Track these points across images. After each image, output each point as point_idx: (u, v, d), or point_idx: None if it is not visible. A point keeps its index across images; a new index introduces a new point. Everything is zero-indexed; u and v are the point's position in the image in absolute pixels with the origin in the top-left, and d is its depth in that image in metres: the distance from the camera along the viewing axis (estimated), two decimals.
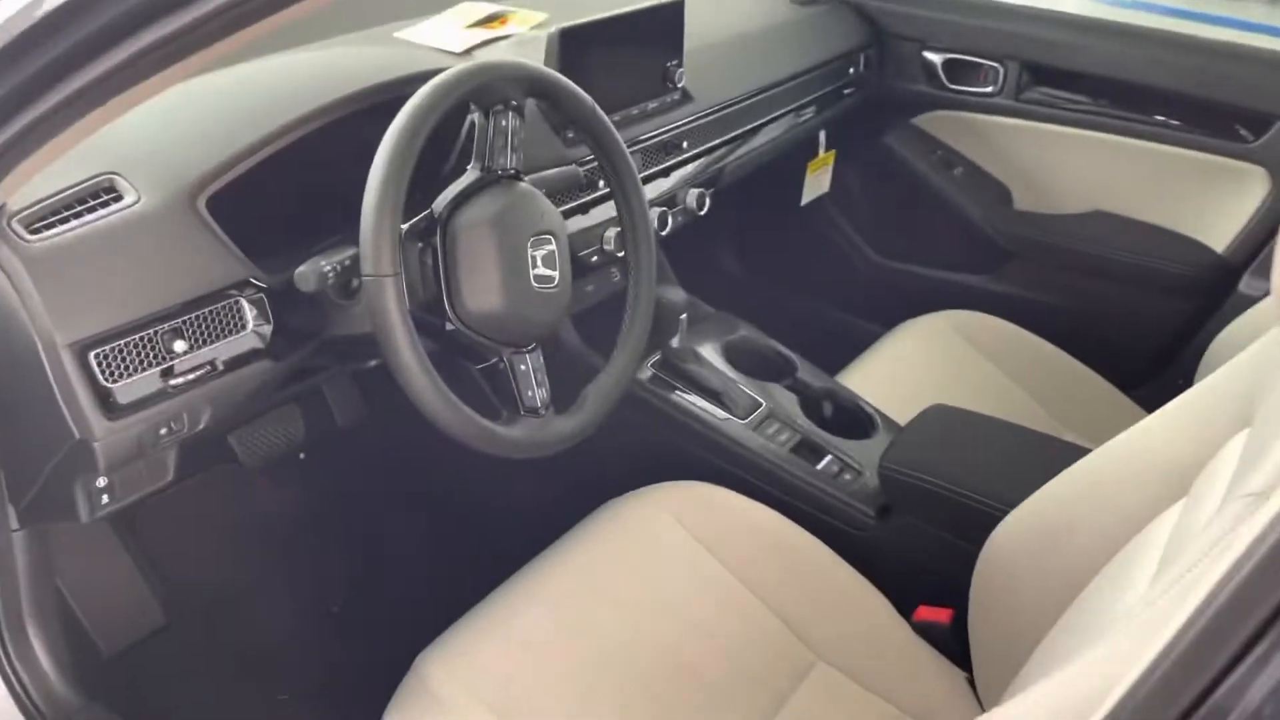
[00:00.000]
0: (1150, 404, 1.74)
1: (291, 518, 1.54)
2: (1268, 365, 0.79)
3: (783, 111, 1.67)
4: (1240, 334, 1.52)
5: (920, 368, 1.65)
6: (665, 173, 1.46)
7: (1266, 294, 1.61)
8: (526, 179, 1.09)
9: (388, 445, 1.57)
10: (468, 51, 1.36)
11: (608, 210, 1.34)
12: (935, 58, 1.89)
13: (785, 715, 1.09)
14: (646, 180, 1.42)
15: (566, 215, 1.30)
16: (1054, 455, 1.16)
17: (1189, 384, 1.65)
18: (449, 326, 1.00)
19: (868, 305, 2.07)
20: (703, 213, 1.50)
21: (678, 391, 1.39)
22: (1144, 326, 1.85)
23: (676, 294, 1.35)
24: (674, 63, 1.42)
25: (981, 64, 1.86)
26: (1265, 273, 1.70)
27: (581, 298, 1.47)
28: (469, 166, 1.03)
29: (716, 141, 1.52)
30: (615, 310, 1.22)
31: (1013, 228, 1.92)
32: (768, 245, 2.19)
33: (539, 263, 1.03)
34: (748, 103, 1.57)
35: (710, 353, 1.45)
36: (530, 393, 1.05)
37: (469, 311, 1.00)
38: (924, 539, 1.24)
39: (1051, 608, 1.02)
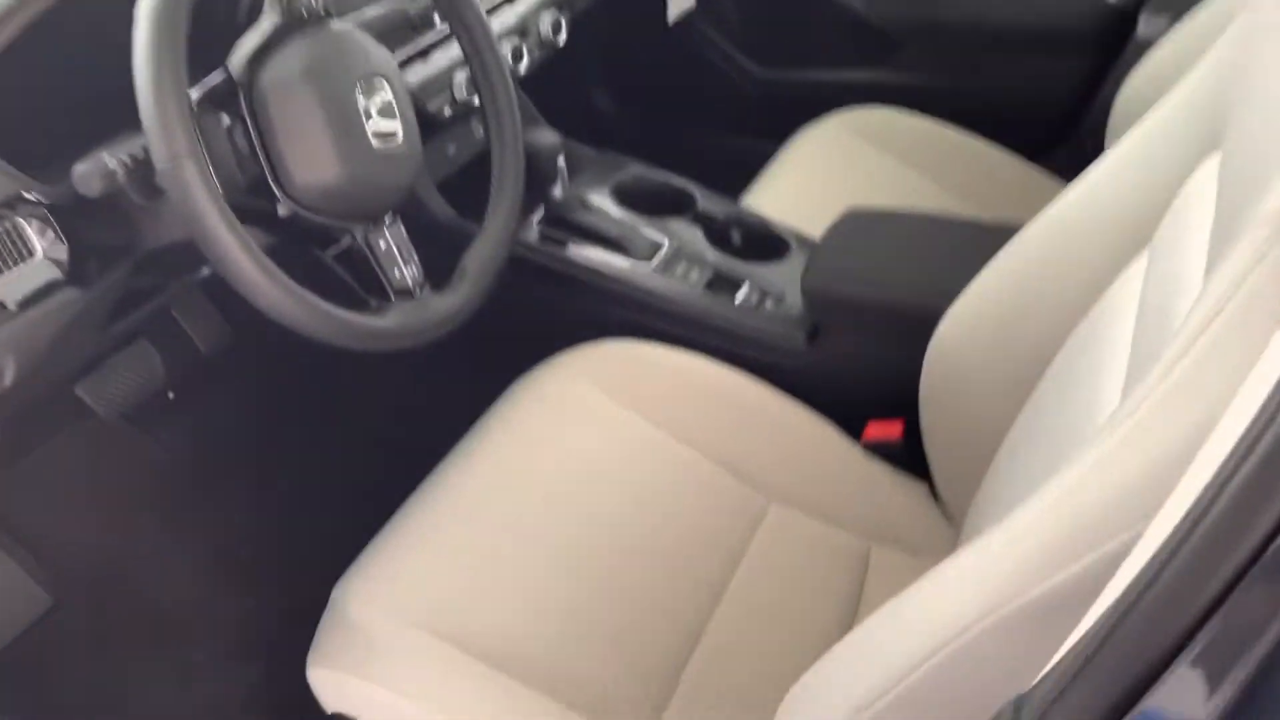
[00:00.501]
0: (1064, 172, 1.67)
1: (173, 465, 1.38)
2: (1232, 72, 0.67)
3: None
4: (1146, 82, 1.43)
5: (824, 175, 1.54)
6: None
7: (1163, 31, 1.52)
8: (341, 19, 0.91)
9: (264, 366, 1.41)
10: None
11: (452, 53, 1.17)
12: None
13: (748, 566, 1.01)
14: (490, 10, 1.24)
15: (404, 65, 1.12)
16: (984, 240, 1.06)
17: (1099, 145, 1.58)
18: (282, 211, 0.84)
19: (758, 121, 1.93)
20: (561, 42, 1.33)
21: (571, 245, 1.25)
22: (1045, 92, 1.76)
23: (548, 137, 1.19)
24: None
25: None
26: (1161, 8, 1.60)
27: (444, 161, 1.31)
28: (265, 9, 0.85)
29: None
30: (486, 171, 1.07)
31: (896, 12, 1.78)
32: (639, 73, 2.02)
33: (374, 114, 0.86)
34: None
35: (599, 197, 1.31)
36: (397, 272, 0.90)
37: (300, 187, 0.83)
38: (862, 354, 1.15)
39: (1010, 402, 0.94)
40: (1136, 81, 1.45)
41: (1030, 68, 1.74)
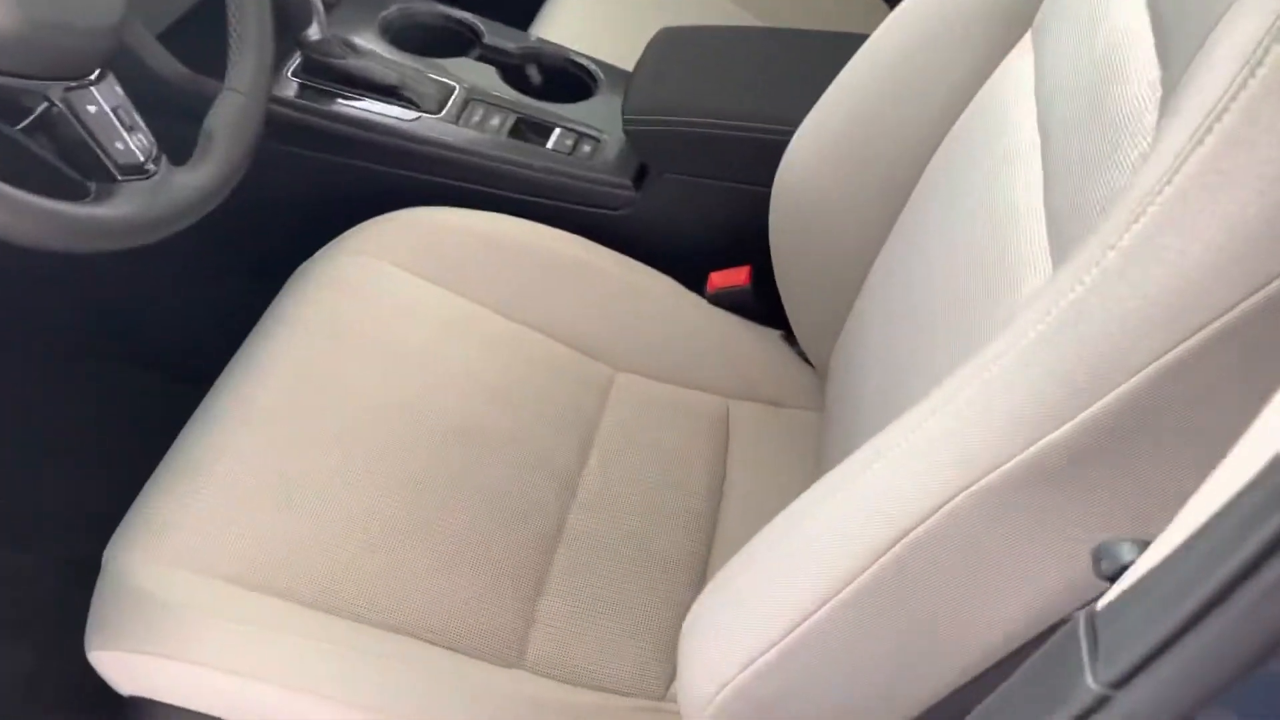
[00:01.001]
0: None
1: None
2: None
3: None
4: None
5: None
6: None
7: None
8: None
9: None
10: None
11: None
12: None
13: (601, 445, 0.89)
14: None
15: None
16: (827, 52, 0.94)
17: None
18: None
19: None
20: None
21: (341, 100, 1.04)
22: None
23: None
24: None
25: None
26: None
27: (164, 5, 1.05)
28: None
29: None
30: (219, 15, 0.85)
31: None
32: None
33: None
34: None
35: (368, 37, 1.09)
36: (119, 143, 0.68)
37: None
38: (699, 194, 1.02)
39: (872, 230, 0.84)
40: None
41: None
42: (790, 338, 0.99)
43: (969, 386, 0.43)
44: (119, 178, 0.68)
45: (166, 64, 1.02)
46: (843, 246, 0.87)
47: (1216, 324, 0.35)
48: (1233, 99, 0.34)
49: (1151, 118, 0.45)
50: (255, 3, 0.81)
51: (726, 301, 1.01)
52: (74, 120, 0.66)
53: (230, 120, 0.77)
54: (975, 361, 0.44)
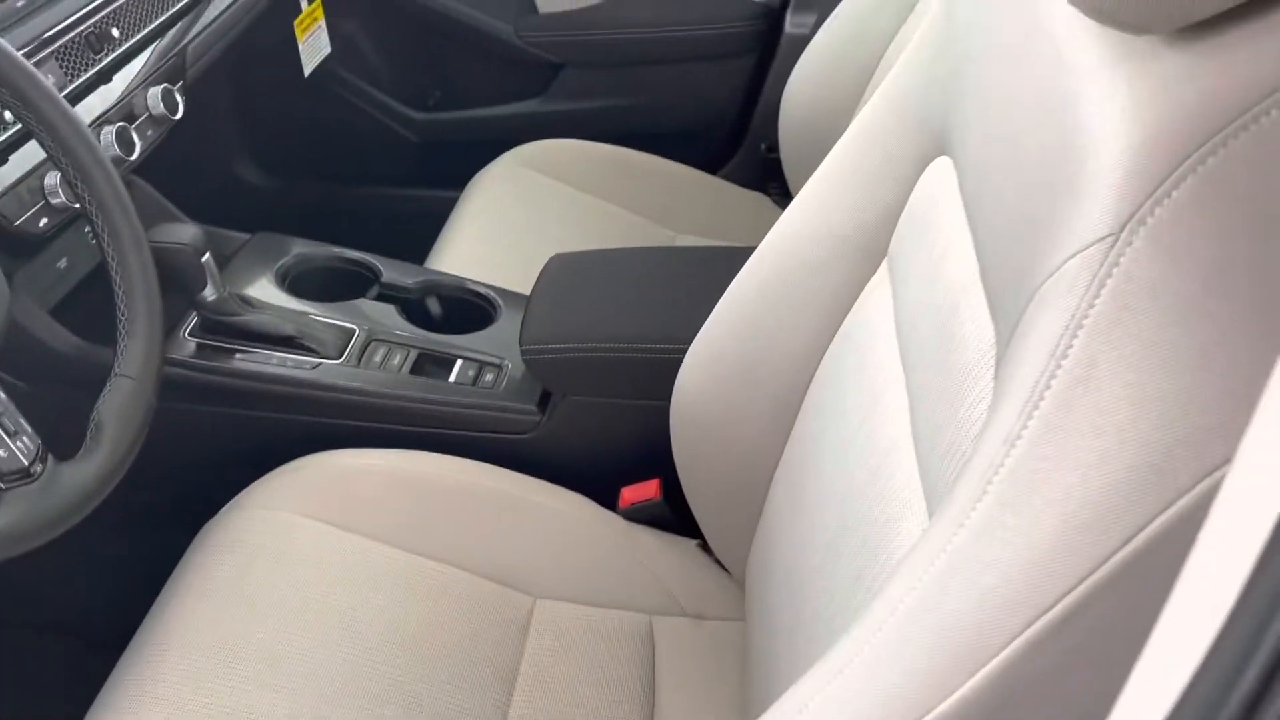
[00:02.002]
0: (746, 180, 1.67)
1: None
2: (948, 77, 0.62)
3: None
4: (808, 79, 1.43)
5: (511, 220, 1.42)
6: (104, 76, 1.05)
7: (813, 28, 1.54)
8: None
9: None
10: None
11: (36, 153, 0.94)
12: None
13: (526, 680, 0.87)
14: (82, 94, 1.01)
15: None
16: (709, 269, 1.00)
17: (774, 148, 1.58)
18: None
19: (429, 168, 1.79)
20: (178, 115, 1.12)
21: (239, 354, 1.05)
22: (709, 100, 1.75)
23: (185, 232, 0.99)
24: None
25: None
26: (805, 6, 1.63)
27: (56, 280, 1.06)
28: None
29: (160, 20, 1.13)
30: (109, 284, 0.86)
31: (546, 34, 1.70)
32: (281, 134, 1.81)
33: None
34: None
35: (264, 289, 1.12)
36: (1, 452, 0.67)
37: None
38: (603, 413, 1.04)
39: (769, 439, 0.86)
40: (797, 80, 1.45)
41: (690, 76, 1.72)
42: (707, 546, 1.00)
43: (858, 656, 0.44)
44: (1, 485, 0.67)
45: (59, 339, 1.02)
46: (743, 458, 0.89)
47: (1066, 600, 0.36)
48: (1046, 388, 0.37)
49: (988, 378, 0.48)
50: (143, 283, 0.82)
51: (640, 516, 1.02)
52: None
53: (119, 407, 0.77)
54: (862, 624, 0.45)
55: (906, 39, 1.28)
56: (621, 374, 1.01)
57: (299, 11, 1.54)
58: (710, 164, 1.72)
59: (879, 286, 0.73)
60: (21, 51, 0.93)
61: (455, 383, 1.06)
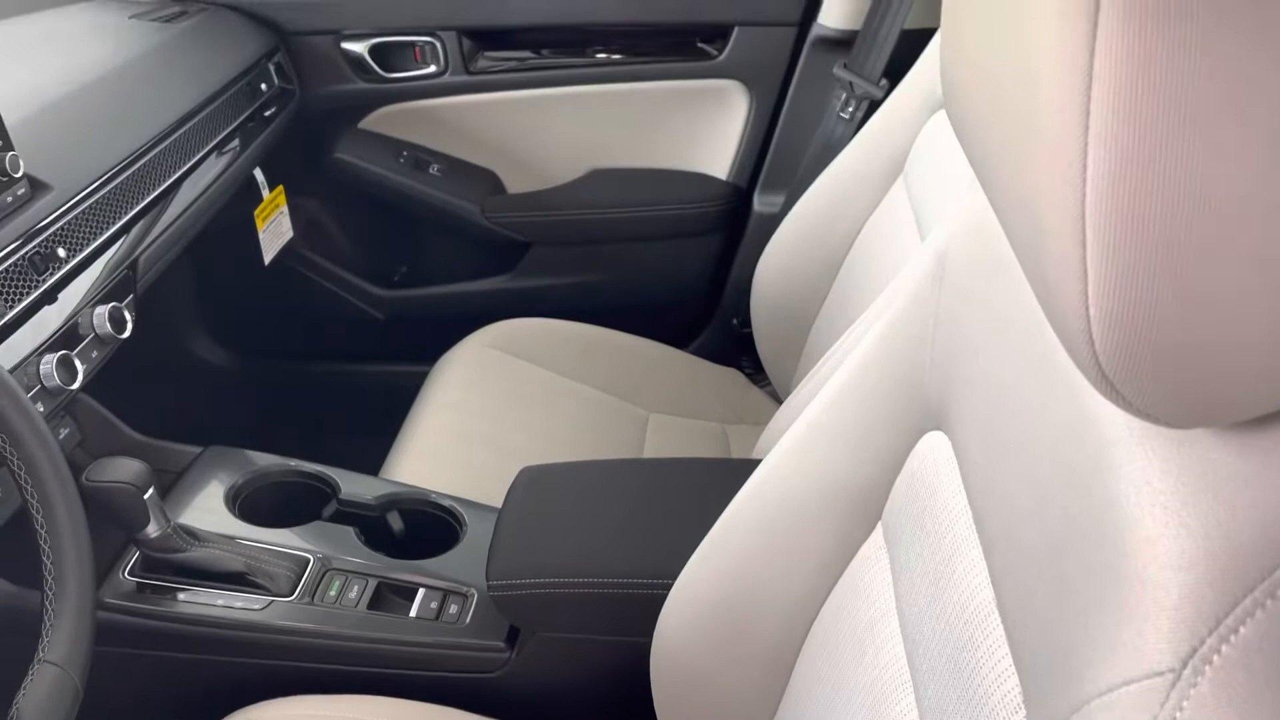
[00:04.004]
0: (717, 356, 1.64)
1: None
2: (942, 353, 0.58)
3: (194, 162, 1.26)
4: (780, 258, 1.42)
5: (479, 409, 1.37)
6: (48, 297, 1.00)
7: (781, 208, 1.54)
8: None
9: None
10: None
11: None
12: (357, 47, 1.57)
13: None
14: (22, 319, 0.96)
15: None
16: (696, 482, 0.95)
17: (745, 323, 1.55)
18: None
19: (394, 344, 1.75)
20: (125, 335, 1.06)
21: (183, 595, 0.97)
22: (679, 276, 1.73)
23: (127, 468, 0.92)
24: None
25: (414, 42, 1.58)
26: (773, 187, 1.63)
27: None
28: None
29: (109, 232, 1.08)
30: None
31: (514, 214, 1.69)
32: (240, 311, 1.76)
33: None
34: (135, 168, 1.14)
35: (213, 513, 1.04)
36: None
37: None
38: (577, 651, 0.97)
39: (760, 702, 0.80)
40: (769, 258, 1.43)
41: (659, 253, 1.71)
42: None
43: None
44: None
45: None
46: (731, 709, 0.82)
47: None
48: None
49: (1011, 686, 0.42)
50: (74, 553, 0.75)
51: None
52: None
53: (42, 702, 0.69)
54: None
55: (879, 222, 1.27)
56: (597, 611, 0.94)
57: (260, 200, 1.51)
58: (680, 339, 1.69)
59: (875, 554, 0.67)
60: None
61: (417, 617, 0.99)
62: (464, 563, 1.04)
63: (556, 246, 1.70)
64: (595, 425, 1.40)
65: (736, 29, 1.54)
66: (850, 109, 1.43)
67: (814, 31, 1.51)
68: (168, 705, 1.01)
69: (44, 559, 0.76)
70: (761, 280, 1.44)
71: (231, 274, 1.68)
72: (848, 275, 1.32)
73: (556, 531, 0.98)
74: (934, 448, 0.61)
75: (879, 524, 0.68)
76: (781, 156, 1.59)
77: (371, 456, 1.29)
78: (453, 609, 1.00)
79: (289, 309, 1.76)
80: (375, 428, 1.42)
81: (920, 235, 1.13)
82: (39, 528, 0.76)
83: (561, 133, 1.66)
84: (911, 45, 1.28)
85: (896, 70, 1.32)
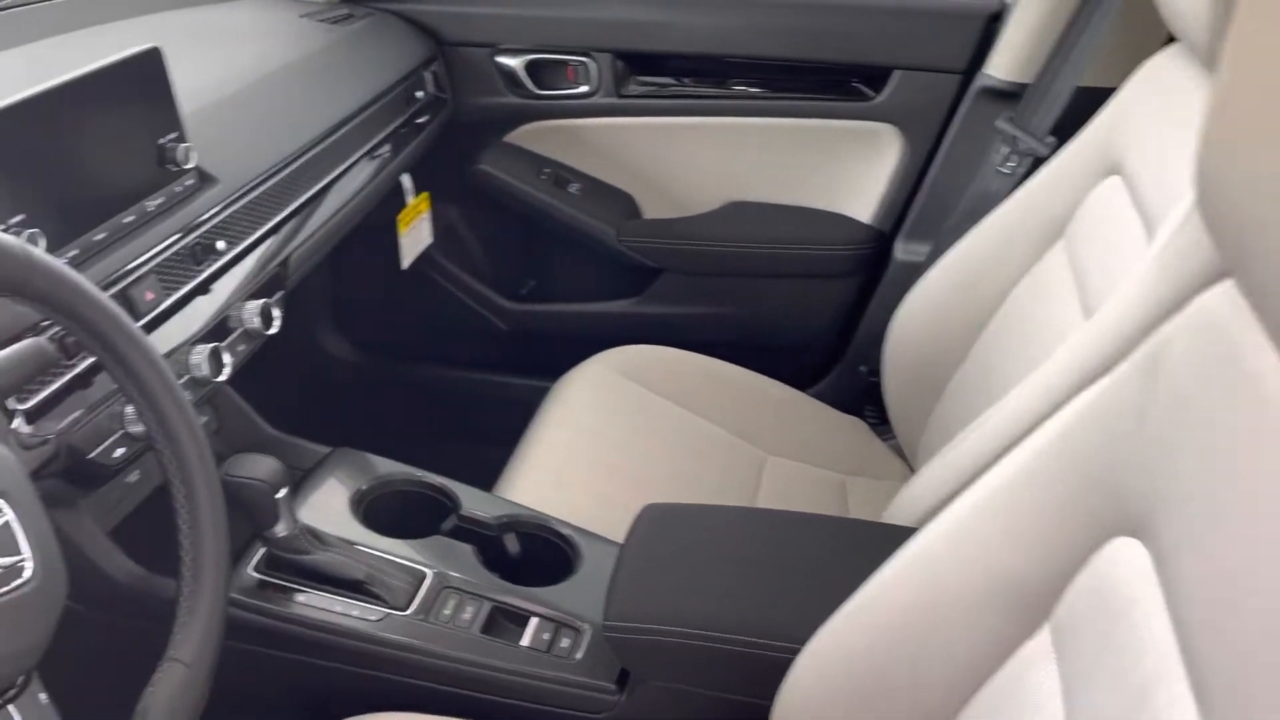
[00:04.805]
0: (841, 403, 1.59)
1: None
2: (1150, 457, 0.54)
3: (346, 165, 1.28)
4: (921, 310, 1.36)
5: (599, 433, 1.35)
6: (203, 288, 1.01)
7: (926, 258, 1.49)
8: None
9: None
10: None
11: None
12: (513, 62, 1.58)
13: None
14: (179, 306, 0.98)
15: (50, 406, 0.83)
16: (833, 544, 0.91)
17: (874, 372, 1.51)
18: None
19: (515, 357, 1.75)
20: (274, 329, 1.08)
21: (301, 597, 0.97)
22: (810, 318, 1.69)
23: (262, 466, 0.93)
24: (170, 137, 0.98)
25: (568, 61, 1.58)
26: (918, 235, 1.58)
27: (121, 495, 1.01)
28: None
29: (266, 228, 1.10)
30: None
31: (648, 240, 1.67)
32: (374, 320, 1.79)
33: None
34: (295, 166, 1.16)
35: (337, 522, 1.04)
36: None
37: None
38: (691, 706, 0.93)
39: None
40: (909, 309, 1.38)
41: (793, 292, 1.67)
42: None
43: None
44: None
45: (116, 564, 0.96)
46: None
47: None
48: None
49: None
50: (213, 554, 0.75)
51: None
52: None
53: (168, 700, 0.69)
54: None
55: (1034, 285, 1.21)
56: (716, 666, 0.90)
57: (404, 205, 1.53)
58: (804, 381, 1.65)
59: (1040, 659, 0.63)
60: (123, 269, 0.91)
61: (529, 647, 0.97)
62: (579, 595, 1.02)
63: (688, 275, 1.68)
64: (713, 462, 1.37)
65: (898, 73, 1.50)
66: (1011, 164, 1.38)
67: (979, 81, 1.46)
68: (269, 704, 1.01)
69: (182, 553, 0.76)
70: (899, 330, 1.39)
71: (367, 274, 1.71)
72: (994, 337, 1.26)
73: (680, 577, 0.95)
74: (1127, 556, 0.56)
75: (1045, 626, 0.64)
76: (930, 205, 1.54)
77: (487, 466, 1.29)
78: (564, 643, 0.98)
79: (418, 313, 1.78)
80: (492, 437, 1.42)
81: (1083, 306, 1.08)
82: (181, 523, 0.76)
83: (703, 162, 1.64)
84: (1085, 103, 1.23)
85: (1065, 128, 1.26)
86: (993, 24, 1.47)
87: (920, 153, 1.54)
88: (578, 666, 0.96)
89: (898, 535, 0.80)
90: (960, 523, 0.70)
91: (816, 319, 1.68)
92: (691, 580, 0.94)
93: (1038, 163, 1.31)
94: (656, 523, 1.01)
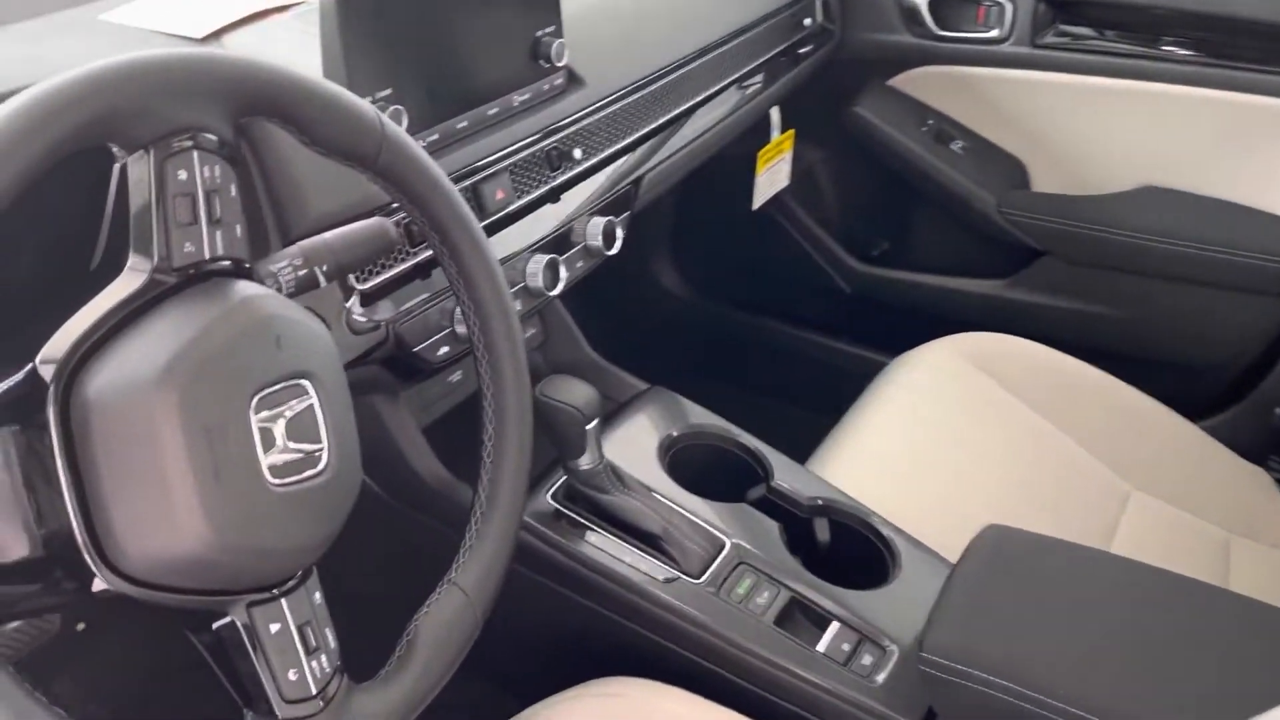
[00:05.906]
0: (1235, 441, 1.32)
1: None
2: None
3: (717, 88, 1.19)
4: None
5: (935, 428, 1.19)
6: (553, 195, 0.96)
7: None
8: (268, 269, 0.61)
9: None
10: (214, 36, 0.85)
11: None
12: None
13: None
14: (526, 210, 0.93)
15: (387, 290, 0.80)
16: (1212, 624, 0.74)
17: None
18: (100, 586, 0.51)
19: (854, 327, 1.62)
20: (614, 249, 1.01)
21: (591, 534, 0.91)
22: (1218, 337, 1.42)
23: (578, 392, 0.87)
24: (548, 30, 0.93)
25: (981, 0, 1.39)
26: None
27: (441, 393, 0.99)
28: (128, 261, 0.54)
29: (624, 143, 1.03)
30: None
31: (1034, 216, 1.46)
32: (713, 259, 1.72)
33: (277, 439, 0.54)
34: (665, 81, 1.08)
35: (642, 466, 0.97)
36: (293, 674, 0.56)
37: (132, 558, 0.51)
38: None
39: None
40: None
41: (1201, 304, 1.41)
42: None
43: None
44: (278, 715, 0.56)
45: (424, 461, 0.94)
46: None
47: None
48: None
49: None
50: (512, 479, 0.69)
51: None
52: (249, 644, 0.55)
53: (442, 625, 0.64)
54: None
55: None
56: None
57: (767, 140, 1.42)
58: (1194, 410, 1.38)
59: None
60: (478, 162, 0.87)
61: (825, 654, 0.85)
62: (892, 608, 0.89)
63: (1073, 264, 1.46)
64: (1067, 485, 1.17)
65: None
66: None
67: None
68: (532, 637, 0.97)
69: (482, 470, 0.71)
70: None
71: (712, 209, 1.63)
72: None
73: (1025, 623, 0.79)
74: None
75: None
76: None
77: (801, 435, 1.17)
78: (866, 659, 0.85)
79: (757, 258, 1.69)
80: (813, 405, 1.30)
81: None
82: (485, 437, 0.71)
83: (1118, 133, 1.41)
84: None
85: None
86: None
87: None
88: (878, 692, 0.83)
89: None
90: None
91: (1226, 339, 1.41)
92: (1039, 630, 0.78)
93: None
94: (999, 549, 0.85)
